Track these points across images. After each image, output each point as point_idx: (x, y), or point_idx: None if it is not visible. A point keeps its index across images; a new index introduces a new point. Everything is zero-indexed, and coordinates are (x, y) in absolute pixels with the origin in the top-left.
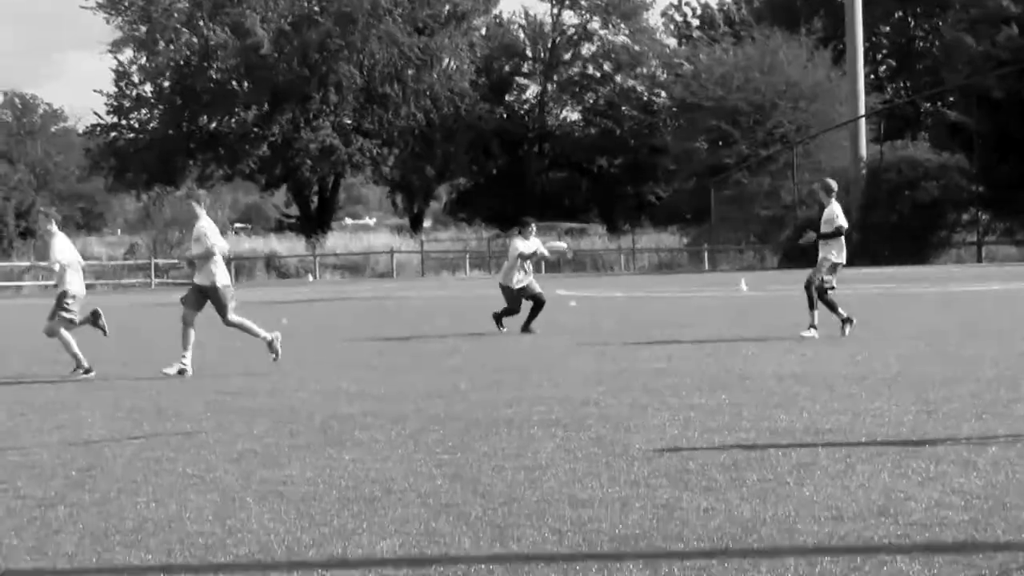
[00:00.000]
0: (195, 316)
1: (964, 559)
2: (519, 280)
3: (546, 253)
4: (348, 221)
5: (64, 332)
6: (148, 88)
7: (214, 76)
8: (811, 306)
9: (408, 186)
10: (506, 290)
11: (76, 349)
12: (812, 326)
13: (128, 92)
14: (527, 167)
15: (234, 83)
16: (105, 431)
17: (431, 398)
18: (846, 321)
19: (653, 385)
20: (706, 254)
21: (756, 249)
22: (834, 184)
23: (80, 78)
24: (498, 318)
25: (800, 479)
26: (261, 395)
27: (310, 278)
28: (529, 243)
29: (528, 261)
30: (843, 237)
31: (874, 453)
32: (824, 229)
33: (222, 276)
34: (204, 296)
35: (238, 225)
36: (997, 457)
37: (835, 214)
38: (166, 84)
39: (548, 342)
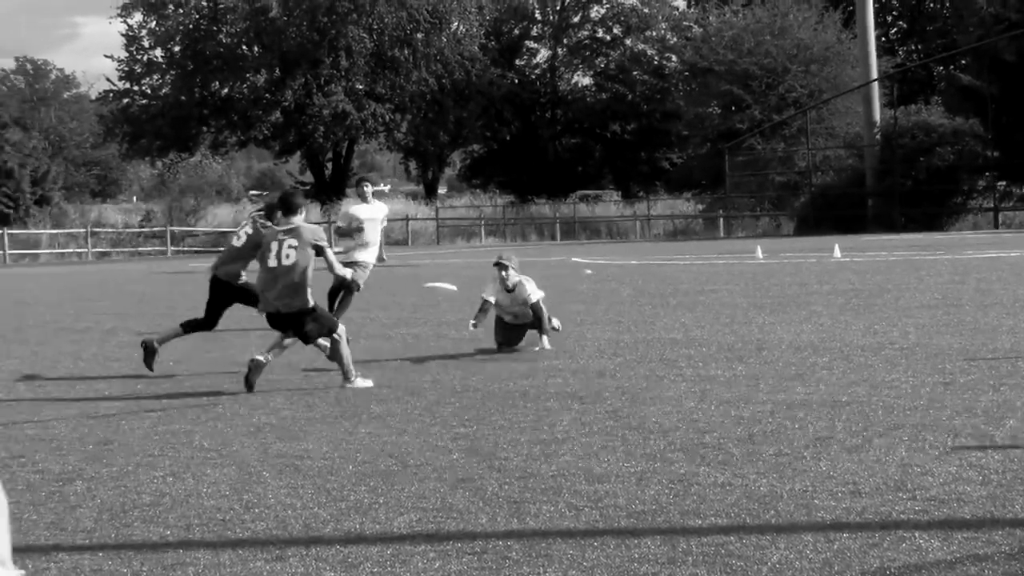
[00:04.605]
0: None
1: (983, 535)
2: (350, 256)
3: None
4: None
5: None
6: (159, 53)
7: (224, 40)
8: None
9: (422, 152)
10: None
11: None
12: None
13: (139, 57)
14: (539, 133)
15: (244, 47)
16: (122, 404)
17: (447, 369)
18: None
19: (669, 356)
20: (721, 221)
21: (771, 216)
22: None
23: (92, 43)
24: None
25: (817, 453)
26: (277, 367)
27: None
28: (364, 208)
29: (359, 234)
30: None
31: (891, 426)
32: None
33: None
34: None
35: (252, 192)
36: (1015, 430)
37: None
38: (176, 49)
39: (563, 311)
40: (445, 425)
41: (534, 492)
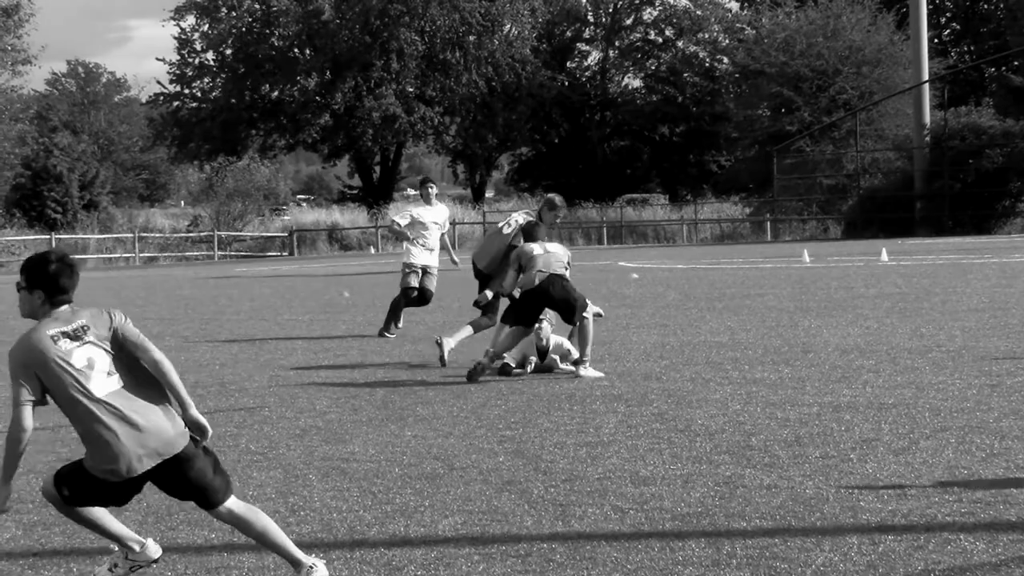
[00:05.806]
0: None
1: None
2: (413, 258)
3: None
4: (410, 192)
5: None
6: (210, 56)
7: (276, 43)
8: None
9: (470, 155)
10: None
11: None
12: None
13: (191, 60)
14: (588, 136)
15: (296, 51)
16: None
17: (492, 372)
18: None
19: (715, 359)
20: (768, 224)
21: (819, 219)
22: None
23: (143, 46)
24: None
25: (863, 455)
26: (323, 369)
27: (372, 250)
28: (428, 211)
29: (423, 235)
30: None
31: (938, 428)
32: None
33: None
34: None
35: (300, 197)
36: None
37: None
38: (228, 52)
39: (609, 315)
40: (491, 428)
41: (580, 495)
